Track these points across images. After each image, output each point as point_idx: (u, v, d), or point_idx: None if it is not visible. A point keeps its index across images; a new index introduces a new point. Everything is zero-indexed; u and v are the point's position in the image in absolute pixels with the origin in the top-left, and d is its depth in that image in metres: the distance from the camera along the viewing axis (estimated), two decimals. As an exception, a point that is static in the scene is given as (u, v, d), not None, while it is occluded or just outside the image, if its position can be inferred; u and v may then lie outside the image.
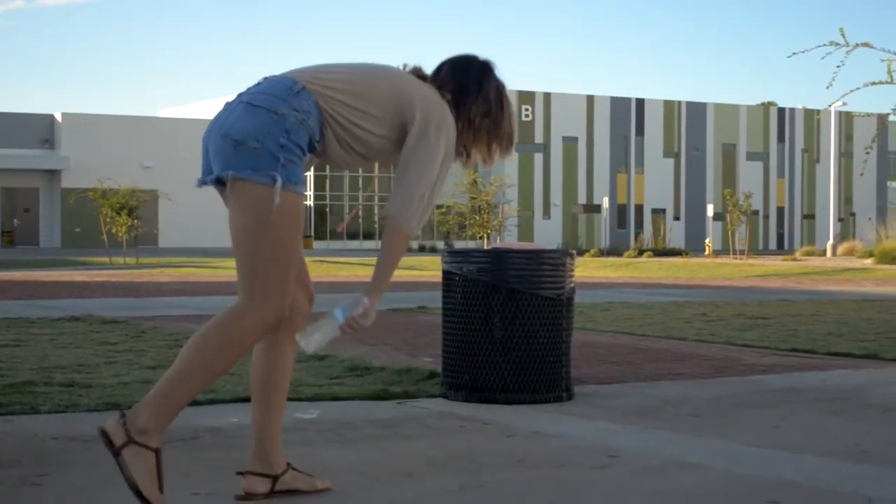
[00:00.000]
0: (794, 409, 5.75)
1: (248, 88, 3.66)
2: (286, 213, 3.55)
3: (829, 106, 37.82)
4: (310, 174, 62.31)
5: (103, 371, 6.79)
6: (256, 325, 3.64)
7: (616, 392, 6.28)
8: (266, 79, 3.67)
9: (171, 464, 4.24)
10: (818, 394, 6.26)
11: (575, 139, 66.47)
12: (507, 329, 5.71)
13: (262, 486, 3.73)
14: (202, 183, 3.71)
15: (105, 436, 3.47)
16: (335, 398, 5.86)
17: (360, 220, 63.73)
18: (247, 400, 5.68)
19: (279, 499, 3.74)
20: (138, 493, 3.47)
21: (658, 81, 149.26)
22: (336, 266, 30.29)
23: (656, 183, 68.68)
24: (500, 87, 3.87)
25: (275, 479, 3.73)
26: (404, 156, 3.65)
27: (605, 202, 56.40)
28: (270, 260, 3.55)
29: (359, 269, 28.97)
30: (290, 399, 5.76)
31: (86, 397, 5.70)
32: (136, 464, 3.47)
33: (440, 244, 57.69)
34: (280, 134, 3.53)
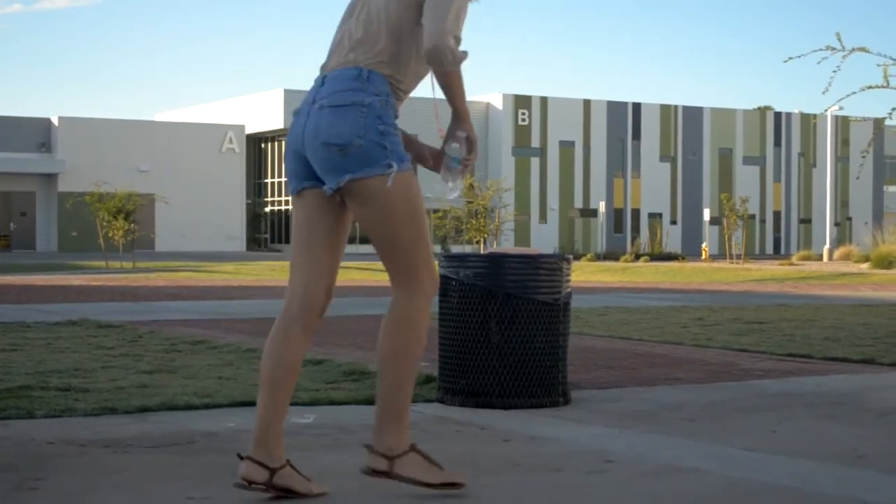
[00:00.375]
0: (790, 413, 5.75)
1: (317, 93, 3.77)
2: (407, 192, 3.76)
3: (826, 110, 37.91)
4: (306, 178, 62.19)
5: (100, 375, 6.79)
6: (426, 302, 3.86)
7: (613, 396, 6.28)
8: (325, 78, 3.78)
9: (167, 468, 4.25)
10: (814, 398, 6.26)
11: (571, 143, 66.50)
12: (503, 334, 5.71)
13: (260, 475, 3.74)
14: (294, 189, 3.86)
15: (372, 472, 3.79)
16: (332, 402, 5.86)
17: (356, 225, 63.61)
18: (243, 404, 5.70)
19: (278, 501, 3.73)
20: (429, 486, 3.79)
21: (655, 86, 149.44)
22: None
23: (653, 187, 68.72)
24: None
25: (273, 471, 3.75)
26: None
27: (602, 206, 56.43)
28: (414, 238, 3.79)
29: (354, 273, 28.98)
30: (286, 403, 5.78)
31: (82, 402, 5.70)
32: (410, 470, 3.77)
33: (437, 248, 57.74)
34: (376, 123, 3.69)
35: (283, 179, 64.12)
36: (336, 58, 3.82)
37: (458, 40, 3.74)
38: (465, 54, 3.76)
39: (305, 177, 3.81)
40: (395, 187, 3.71)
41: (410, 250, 3.79)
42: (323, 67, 3.87)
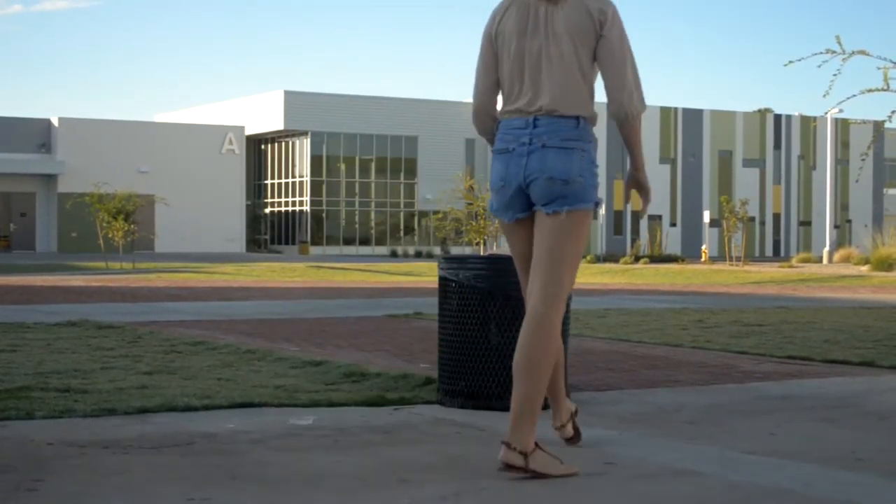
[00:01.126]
0: (790, 416, 5.75)
1: (533, 134, 4.41)
2: (587, 227, 4.48)
3: (826, 113, 37.94)
4: (306, 180, 62.31)
5: (99, 376, 6.79)
6: (562, 308, 4.42)
7: (612, 399, 6.28)
8: (538, 121, 4.42)
9: (166, 469, 4.25)
10: (814, 401, 6.26)
11: (572, 145, 66.40)
12: (503, 335, 5.71)
13: (517, 459, 4.18)
14: (513, 218, 4.54)
15: (508, 468, 4.17)
16: (332, 404, 5.86)
17: (357, 226, 63.69)
18: (242, 406, 5.70)
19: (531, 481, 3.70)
20: (559, 476, 4.19)
21: (654, 88, 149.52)
22: (332, 272, 30.28)
23: (653, 189, 68.57)
24: None
25: (526, 455, 4.19)
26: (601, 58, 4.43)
27: (602, 208, 56.41)
28: (576, 260, 4.46)
29: (355, 275, 28.98)
30: (285, 405, 5.79)
31: (81, 403, 5.70)
32: (541, 465, 4.18)
33: (436, 250, 57.69)
34: (591, 166, 4.47)
35: (283, 181, 64.32)
36: (548, 101, 4.42)
37: (639, 94, 4.47)
38: (644, 107, 4.47)
39: (522, 208, 4.50)
40: (586, 220, 4.46)
41: (574, 268, 4.44)
42: (522, 104, 4.46)
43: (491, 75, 4.57)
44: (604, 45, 4.40)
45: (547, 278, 4.37)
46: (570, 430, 4.83)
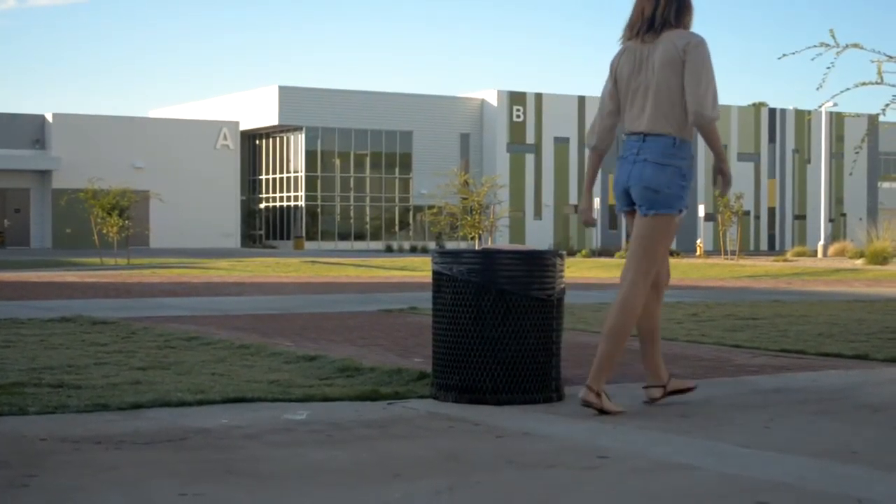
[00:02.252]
0: (784, 409, 5.75)
1: (640, 148, 5.61)
2: (673, 228, 5.66)
3: (820, 107, 37.93)
4: (301, 175, 62.30)
5: (93, 372, 6.78)
6: (645, 291, 5.65)
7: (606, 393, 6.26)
8: (646, 138, 5.60)
9: (159, 465, 4.25)
10: (808, 394, 6.26)
11: (566, 140, 66.50)
12: (497, 329, 5.70)
13: (658, 392, 5.84)
14: (623, 210, 5.79)
15: (587, 403, 5.47)
16: (325, 399, 5.85)
17: (352, 221, 63.69)
18: (236, 401, 5.70)
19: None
20: (605, 413, 5.46)
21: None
22: (326, 266, 30.27)
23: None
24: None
25: (664, 386, 5.85)
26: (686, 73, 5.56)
27: (597, 203, 56.42)
28: (662, 255, 5.69)
29: (349, 270, 28.96)
30: (279, 399, 5.79)
31: (75, 398, 5.69)
32: (608, 405, 5.49)
33: (432, 245, 57.69)
34: (679, 180, 5.60)
35: (277, 176, 64.30)
36: (650, 123, 5.60)
37: (711, 106, 5.53)
38: (716, 115, 5.54)
39: (626, 204, 5.76)
40: (670, 222, 5.62)
41: (659, 260, 5.68)
42: (634, 126, 5.67)
43: (611, 105, 5.82)
44: (685, 69, 5.54)
45: (633, 266, 5.61)
46: (655, 393, 5.87)
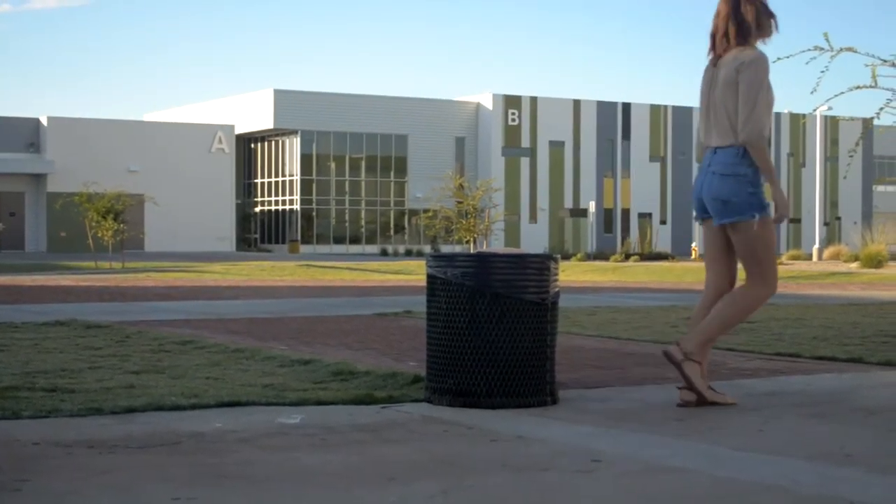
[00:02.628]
0: (778, 412, 5.75)
1: (711, 161, 5.92)
2: (766, 229, 5.88)
3: (815, 110, 37.91)
4: (296, 179, 62.29)
5: (87, 376, 6.76)
6: (765, 297, 6.02)
7: (601, 396, 6.28)
8: (717, 151, 5.89)
9: (153, 469, 4.24)
10: (802, 397, 6.26)
11: (561, 143, 66.56)
12: (491, 333, 5.70)
13: (689, 395, 5.85)
14: (701, 219, 6.10)
15: (667, 355, 5.84)
16: (320, 402, 5.84)
17: (347, 225, 63.67)
18: (230, 405, 5.68)
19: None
20: (693, 389, 5.80)
21: (644, 86, 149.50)
22: (322, 270, 30.26)
23: (643, 187, 68.80)
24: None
25: (699, 362, 5.86)
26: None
27: (592, 206, 56.49)
28: (767, 257, 5.94)
29: (345, 273, 28.95)
30: (273, 403, 5.78)
31: (68, 402, 5.67)
32: (692, 371, 5.76)
33: (427, 248, 57.69)
34: (748, 188, 5.82)
35: (273, 180, 64.27)
36: (717, 137, 5.90)
37: (757, 127, 5.76)
38: (761, 137, 5.78)
39: (702, 213, 6.05)
40: (761, 225, 5.84)
41: (763, 264, 5.93)
42: (708, 140, 5.97)
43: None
44: (739, 88, 5.82)
45: (754, 273, 5.94)
46: (678, 354, 5.87)
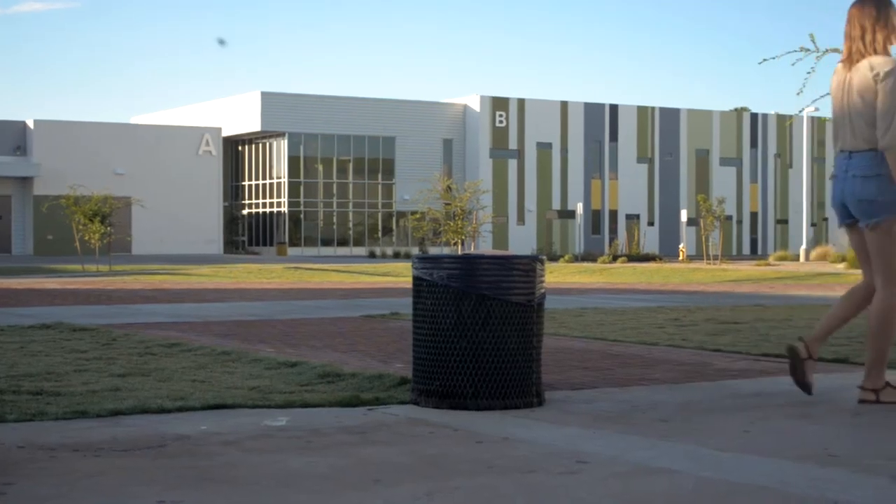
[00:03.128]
0: (764, 413, 5.76)
1: (848, 165, 6.04)
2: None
3: (801, 111, 37.98)
4: (284, 181, 62.21)
5: (73, 379, 6.75)
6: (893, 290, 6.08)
7: (587, 397, 6.28)
8: (852, 154, 6.03)
9: (138, 472, 4.23)
10: (788, 398, 6.27)
11: (549, 145, 66.60)
12: (477, 335, 5.69)
13: (869, 396, 6.02)
14: (844, 223, 6.23)
15: (864, 402, 6.00)
16: (306, 405, 5.84)
17: (335, 227, 63.60)
18: (216, 407, 5.67)
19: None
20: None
21: (631, 87, 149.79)
22: (309, 272, 30.23)
23: (630, 189, 68.88)
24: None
25: (877, 392, 6.04)
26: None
27: (580, 208, 56.51)
28: None
29: (332, 276, 28.92)
30: (259, 406, 5.78)
31: (54, 405, 5.66)
32: (889, 397, 6.00)
33: (415, 250, 57.67)
34: (890, 186, 5.91)
35: (260, 182, 64.17)
36: (852, 141, 6.03)
37: None
38: None
39: (845, 217, 6.18)
40: (894, 226, 5.96)
41: (893, 265, 6.04)
42: (842, 144, 6.10)
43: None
44: (878, 95, 5.93)
45: (879, 272, 6.07)
46: (871, 396, 6.05)
